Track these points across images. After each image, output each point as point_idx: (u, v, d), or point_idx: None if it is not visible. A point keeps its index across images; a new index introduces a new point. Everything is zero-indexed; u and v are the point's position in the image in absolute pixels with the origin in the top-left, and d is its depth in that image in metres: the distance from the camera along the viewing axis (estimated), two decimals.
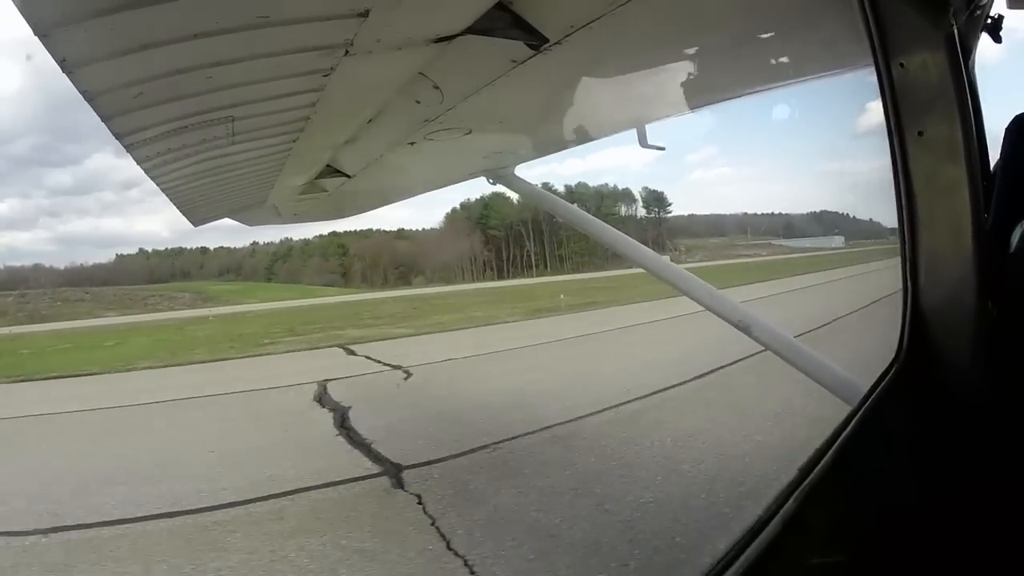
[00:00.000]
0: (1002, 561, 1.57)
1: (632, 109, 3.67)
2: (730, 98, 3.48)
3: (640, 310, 19.29)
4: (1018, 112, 1.94)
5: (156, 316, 48.31)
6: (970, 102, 1.72)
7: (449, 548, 4.13)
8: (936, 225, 1.78)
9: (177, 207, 4.06)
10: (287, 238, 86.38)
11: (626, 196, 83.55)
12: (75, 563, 4.35)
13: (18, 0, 1.39)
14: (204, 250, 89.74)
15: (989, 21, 2.09)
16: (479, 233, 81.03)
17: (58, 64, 1.65)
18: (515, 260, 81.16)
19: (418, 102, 2.83)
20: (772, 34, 2.42)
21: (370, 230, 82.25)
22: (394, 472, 5.65)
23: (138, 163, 2.71)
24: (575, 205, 5.45)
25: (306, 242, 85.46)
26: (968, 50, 1.99)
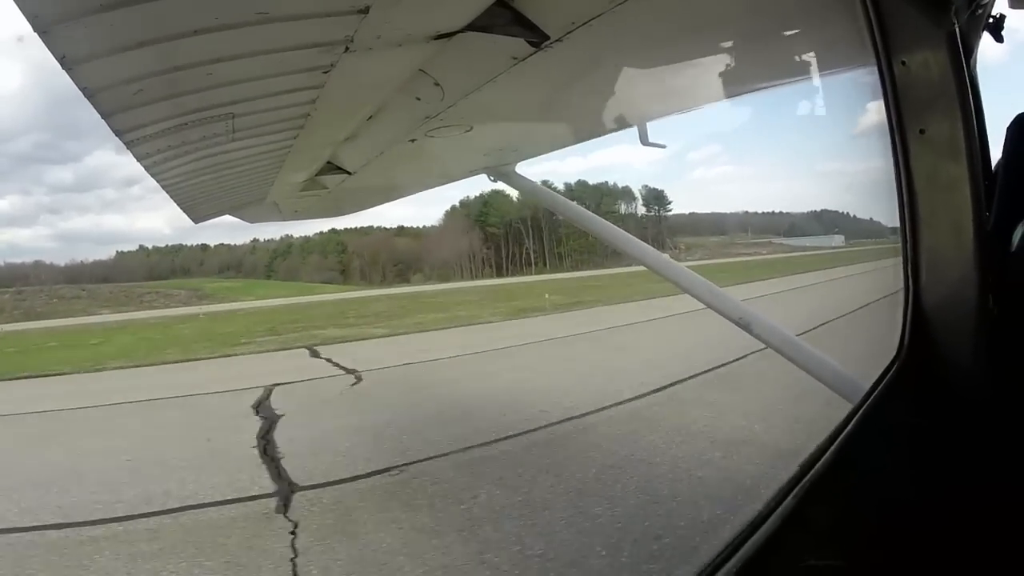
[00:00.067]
0: (1003, 558, 1.57)
1: (633, 107, 3.66)
2: (731, 96, 3.47)
3: (624, 311, 19.31)
4: (1019, 111, 1.93)
5: (149, 313, 48.22)
6: (971, 101, 1.72)
7: None
8: (937, 223, 1.78)
9: (178, 204, 4.06)
10: (288, 235, 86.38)
11: (626, 194, 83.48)
12: None
13: None
14: (204, 247, 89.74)
15: (991, 20, 2.09)
16: (478, 231, 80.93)
17: (58, 61, 1.65)
18: (514, 258, 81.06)
19: (419, 99, 2.83)
20: (773, 32, 2.42)
21: (371, 227, 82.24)
22: (286, 493, 5.41)
23: (138, 160, 2.71)
24: (574, 203, 5.43)
25: (306, 239, 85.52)
26: (970, 49, 1.99)
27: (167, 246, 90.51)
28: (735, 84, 3.25)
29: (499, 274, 76.02)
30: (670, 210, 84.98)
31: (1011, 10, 2.10)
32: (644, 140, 3.87)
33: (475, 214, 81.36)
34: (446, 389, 9.26)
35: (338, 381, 10.90)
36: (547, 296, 25.83)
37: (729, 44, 2.56)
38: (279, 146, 3.20)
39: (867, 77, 1.83)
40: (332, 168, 4.13)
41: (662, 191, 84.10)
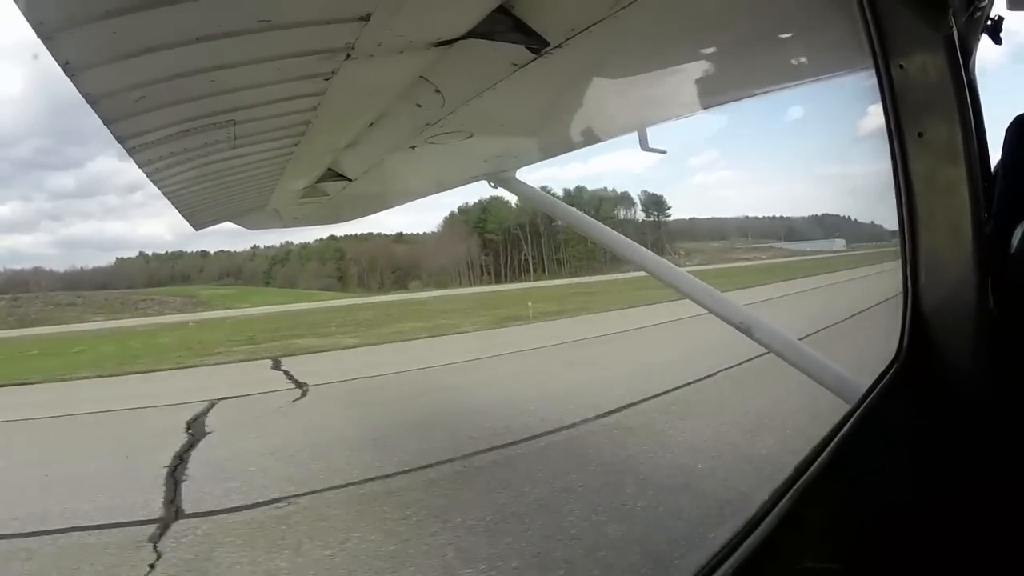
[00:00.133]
0: (1001, 559, 1.57)
1: (633, 112, 3.68)
2: (730, 101, 3.48)
3: (604, 320, 19.31)
4: (1018, 113, 1.94)
5: (141, 321, 48.16)
6: (970, 103, 1.73)
7: None
8: (936, 225, 1.78)
9: (179, 211, 4.07)
10: (288, 242, 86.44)
11: (625, 200, 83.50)
12: None
13: (22, 4, 1.40)
14: (204, 254, 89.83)
15: (989, 23, 2.10)
16: (477, 237, 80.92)
17: (61, 67, 1.66)
18: (513, 264, 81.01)
19: (419, 106, 2.84)
20: (772, 37, 2.43)
21: (370, 234, 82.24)
22: (168, 521, 5.20)
23: (140, 167, 2.72)
24: (575, 209, 5.44)
25: (304, 246, 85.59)
26: (968, 51, 2.00)
27: (167, 253, 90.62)
28: (734, 89, 3.27)
29: (498, 280, 75.93)
30: (669, 215, 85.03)
31: (1009, 12, 2.11)
32: (644, 145, 3.89)
33: (473, 220, 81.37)
34: (379, 409, 9.06)
35: (283, 396, 10.75)
36: (529, 305, 25.63)
37: (728, 49, 2.57)
38: (280, 153, 3.22)
39: (865, 81, 1.84)
40: (333, 175, 4.14)
41: (661, 196, 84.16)
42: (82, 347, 25.99)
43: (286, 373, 13.55)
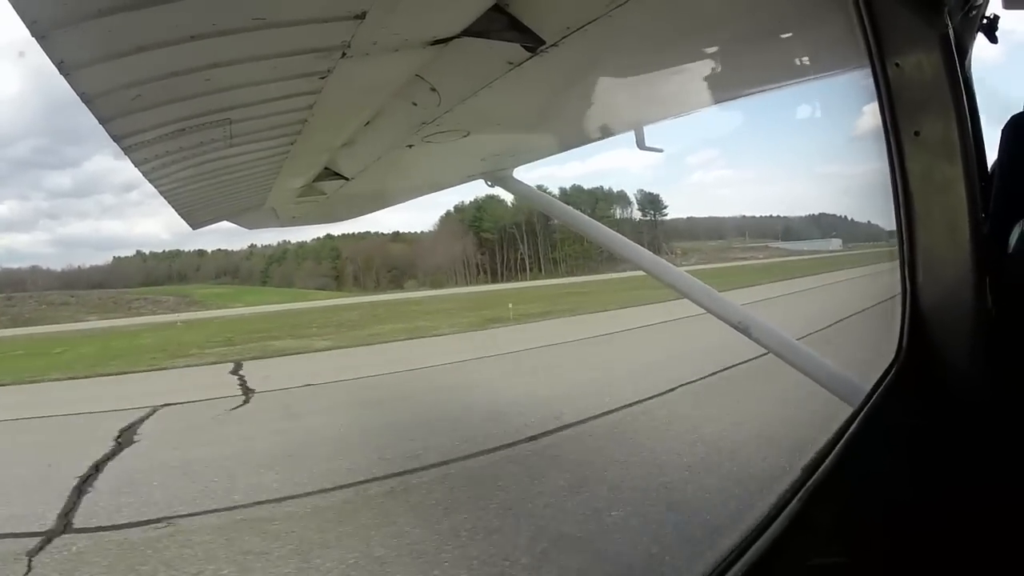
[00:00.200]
0: (1004, 559, 1.57)
1: (629, 111, 3.68)
2: (726, 100, 3.49)
3: (588, 322, 19.24)
4: (1015, 112, 1.94)
5: (131, 320, 48.13)
6: (966, 102, 1.73)
7: None
8: (934, 225, 1.78)
9: (176, 210, 4.06)
10: (285, 240, 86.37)
11: (621, 199, 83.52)
12: None
13: (16, 2, 1.39)
14: (201, 253, 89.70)
15: (985, 21, 2.10)
16: (472, 236, 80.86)
17: (56, 66, 1.65)
18: (509, 263, 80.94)
19: (415, 104, 2.84)
20: (768, 36, 2.43)
21: (367, 232, 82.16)
22: (54, 534, 5.05)
23: (136, 166, 2.71)
24: (572, 208, 5.43)
25: (300, 245, 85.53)
26: (964, 50, 2.00)
27: (164, 252, 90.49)
28: (731, 88, 3.27)
29: (494, 280, 75.91)
30: (666, 214, 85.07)
31: (1005, 11, 2.11)
32: (641, 144, 3.89)
33: (469, 219, 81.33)
34: (308, 421, 8.80)
35: (227, 403, 10.60)
36: (510, 307, 25.41)
37: (724, 47, 2.57)
38: (277, 152, 3.21)
39: (861, 79, 1.84)
40: (330, 174, 4.13)
41: (657, 195, 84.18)
42: (64, 348, 25.90)
43: (241, 378, 13.45)
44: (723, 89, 3.22)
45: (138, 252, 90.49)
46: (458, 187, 5.90)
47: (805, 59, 2.73)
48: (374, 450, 6.80)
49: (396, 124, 3.15)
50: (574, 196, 73.58)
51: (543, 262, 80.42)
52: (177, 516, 5.33)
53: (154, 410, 10.13)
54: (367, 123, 3.07)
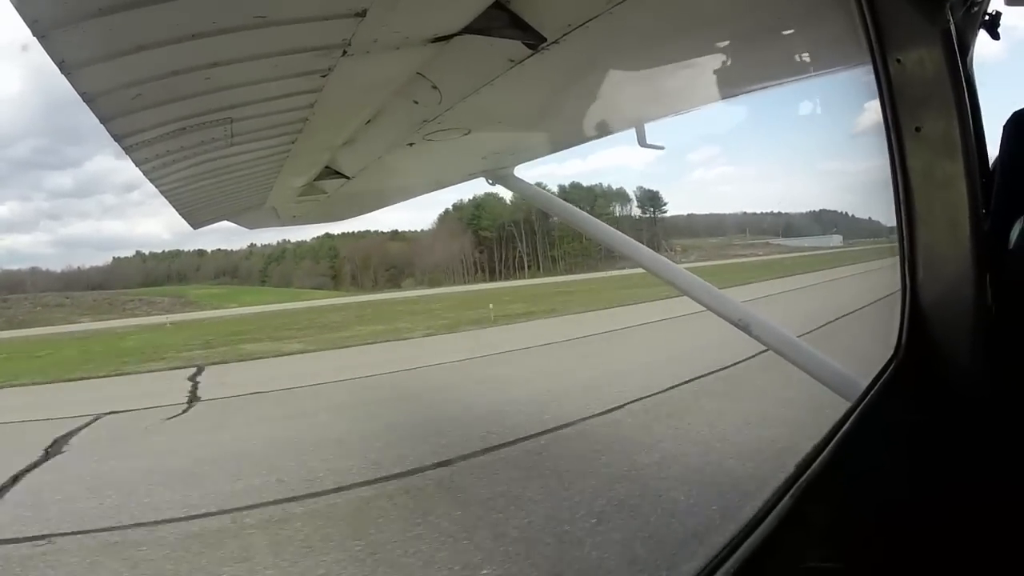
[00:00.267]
0: (1001, 555, 1.57)
1: (631, 108, 3.67)
2: (728, 97, 3.49)
3: (569, 323, 19.02)
4: (1016, 109, 1.94)
5: (122, 322, 48.23)
6: (968, 98, 1.73)
7: None
8: (934, 221, 1.78)
9: (176, 210, 4.05)
10: (285, 240, 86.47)
11: (620, 196, 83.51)
12: None
13: (17, 2, 1.39)
14: (201, 252, 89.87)
15: (987, 18, 2.10)
16: (471, 234, 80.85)
17: (57, 66, 1.65)
18: (507, 261, 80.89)
19: (416, 102, 2.83)
20: (769, 32, 2.43)
21: (367, 231, 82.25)
22: None
23: (137, 165, 2.71)
24: (573, 206, 5.42)
25: (299, 244, 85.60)
26: (966, 46, 1.99)
27: (163, 252, 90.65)
28: (732, 84, 3.27)
29: (492, 278, 75.90)
30: (665, 211, 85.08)
31: (1007, 7, 2.11)
32: (642, 142, 3.88)
33: (467, 217, 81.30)
34: (236, 432, 8.52)
35: (169, 411, 10.41)
36: (490, 307, 25.23)
37: (725, 44, 2.57)
38: (277, 150, 3.21)
39: (863, 75, 1.84)
40: (331, 172, 4.13)
41: (657, 192, 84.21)
42: (48, 351, 25.81)
43: (194, 385, 13.39)
44: (725, 86, 3.21)
45: (137, 252, 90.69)
46: (458, 185, 5.88)
47: (807, 55, 2.73)
48: (271, 471, 6.44)
49: (397, 122, 3.15)
50: (572, 193, 73.56)
51: (541, 260, 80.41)
52: (59, 534, 5.13)
53: (97, 418, 9.98)
54: (368, 121, 3.07)
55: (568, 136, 4.23)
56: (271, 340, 23.15)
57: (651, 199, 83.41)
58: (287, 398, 10.93)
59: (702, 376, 8.81)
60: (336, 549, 4.53)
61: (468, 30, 2.09)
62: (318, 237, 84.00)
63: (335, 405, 9.76)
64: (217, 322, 38.54)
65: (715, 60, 2.76)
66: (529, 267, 79.46)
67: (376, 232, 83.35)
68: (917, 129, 1.74)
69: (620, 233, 4.53)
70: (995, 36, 2.12)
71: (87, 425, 9.53)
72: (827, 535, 1.45)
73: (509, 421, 7.40)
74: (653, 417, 7.10)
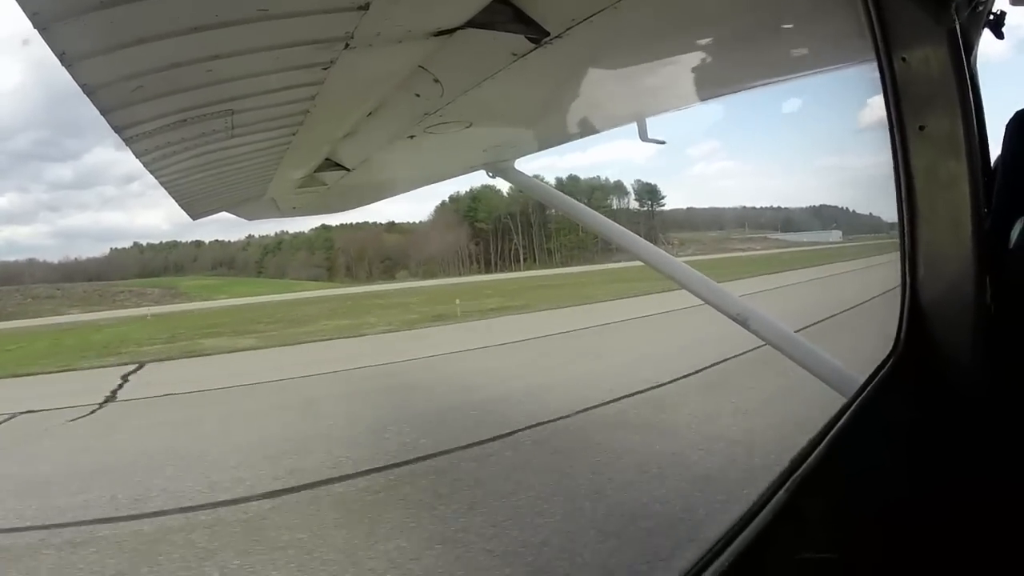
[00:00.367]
0: (998, 552, 1.58)
1: (632, 103, 3.67)
2: (731, 92, 3.48)
3: (537, 320, 19.09)
4: (1019, 108, 1.94)
5: (106, 314, 48.35)
6: (971, 97, 1.73)
7: None
8: (936, 219, 1.79)
9: (176, 201, 4.04)
10: (283, 231, 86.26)
11: (618, 189, 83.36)
12: None
13: None
14: (199, 244, 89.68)
15: (991, 17, 2.10)
16: (467, 226, 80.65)
17: (58, 57, 1.64)
18: (503, 253, 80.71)
19: (418, 95, 2.82)
20: (774, 28, 2.42)
21: (365, 223, 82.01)
22: None
23: (137, 157, 2.70)
24: (574, 199, 5.41)
25: (297, 235, 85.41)
26: (970, 45, 1.99)
27: (161, 243, 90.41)
28: (735, 80, 3.26)
29: (487, 270, 75.79)
30: (663, 205, 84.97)
31: (1012, 7, 2.11)
32: (644, 136, 3.88)
33: (464, 209, 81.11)
34: (119, 438, 8.50)
35: (79, 412, 10.42)
36: (457, 303, 25.18)
37: (728, 40, 2.56)
38: (278, 143, 3.20)
39: (867, 73, 1.84)
40: (331, 164, 4.11)
41: (655, 186, 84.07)
42: (21, 344, 25.86)
43: (122, 383, 13.49)
44: (727, 82, 3.21)
45: (135, 244, 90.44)
46: (457, 177, 5.87)
47: (810, 52, 2.72)
48: (120, 486, 6.28)
49: (398, 115, 3.14)
50: (569, 186, 73.36)
51: (537, 252, 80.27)
52: None
53: (12, 417, 10.03)
54: (369, 114, 3.05)
55: (570, 130, 4.22)
56: (233, 335, 23.36)
57: (649, 192, 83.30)
58: (196, 402, 10.91)
59: (625, 397, 8.00)
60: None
61: (471, 24, 2.08)
62: (315, 228, 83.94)
63: (228, 413, 9.63)
64: (197, 314, 38.63)
65: (719, 56, 2.75)
66: (525, 259, 79.32)
67: (374, 223, 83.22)
68: (921, 127, 1.74)
69: (620, 227, 4.53)
70: (999, 35, 2.12)
71: None
72: (822, 529, 1.46)
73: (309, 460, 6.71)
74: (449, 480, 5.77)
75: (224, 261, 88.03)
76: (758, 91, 3.52)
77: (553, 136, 4.40)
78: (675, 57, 2.81)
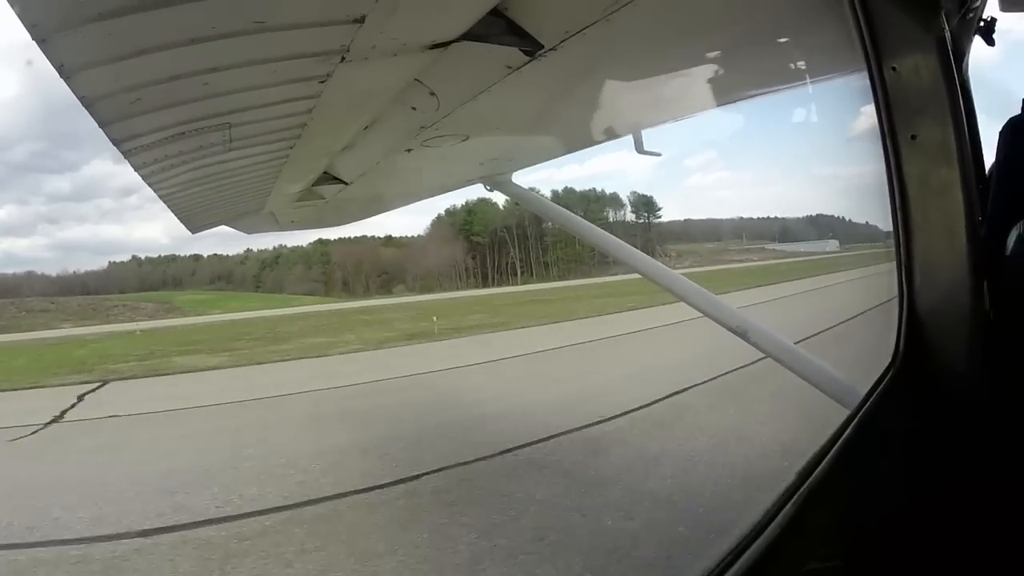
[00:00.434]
0: (1001, 561, 1.57)
1: (628, 115, 3.69)
2: (725, 103, 3.50)
3: (527, 336, 18.88)
4: (1012, 115, 1.95)
5: (97, 328, 47.94)
6: (963, 105, 1.74)
7: None
8: (931, 228, 1.79)
9: (175, 214, 4.05)
10: (281, 245, 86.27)
11: (613, 201, 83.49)
12: None
13: (17, 6, 1.40)
14: (197, 257, 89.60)
15: (982, 24, 2.11)
16: (463, 240, 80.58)
17: (56, 69, 1.65)
18: (499, 267, 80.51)
19: (414, 108, 2.84)
20: (766, 40, 2.44)
21: (363, 236, 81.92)
22: None
23: (136, 169, 2.71)
24: (571, 212, 5.42)
25: (295, 249, 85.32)
26: (961, 53, 2.01)
27: (159, 256, 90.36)
28: (729, 91, 3.28)
29: (484, 284, 75.60)
30: (659, 216, 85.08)
31: (1002, 13, 2.12)
32: (640, 148, 3.90)
33: (460, 223, 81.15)
34: (46, 464, 8.25)
35: (24, 431, 10.34)
36: (435, 320, 24.99)
37: (722, 51, 2.58)
38: (276, 156, 3.21)
39: (858, 83, 1.85)
40: (329, 178, 4.13)
41: (651, 197, 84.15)
42: (1, 360, 25.54)
43: (76, 402, 13.38)
44: (721, 92, 3.23)
45: (133, 257, 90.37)
46: (460, 190, 5.88)
47: (803, 63, 2.75)
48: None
49: (395, 128, 3.15)
50: (565, 198, 73.28)
51: (533, 266, 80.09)
52: None
53: None
54: (366, 127, 3.07)
55: (566, 142, 4.24)
56: (209, 352, 23.30)
57: (645, 204, 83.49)
58: (129, 425, 10.77)
59: (554, 436, 7.12)
60: None
61: (466, 37, 2.10)
62: (313, 242, 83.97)
63: (151, 439, 9.38)
64: (183, 330, 38.38)
65: (712, 67, 2.77)
66: (522, 272, 79.18)
67: (372, 237, 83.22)
68: (913, 137, 1.75)
69: (618, 240, 4.54)
70: (990, 42, 2.13)
71: None
72: (829, 541, 1.45)
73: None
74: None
75: (222, 275, 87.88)
76: (752, 102, 3.55)
77: (549, 149, 4.42)
78: (668, 69, 2.84)
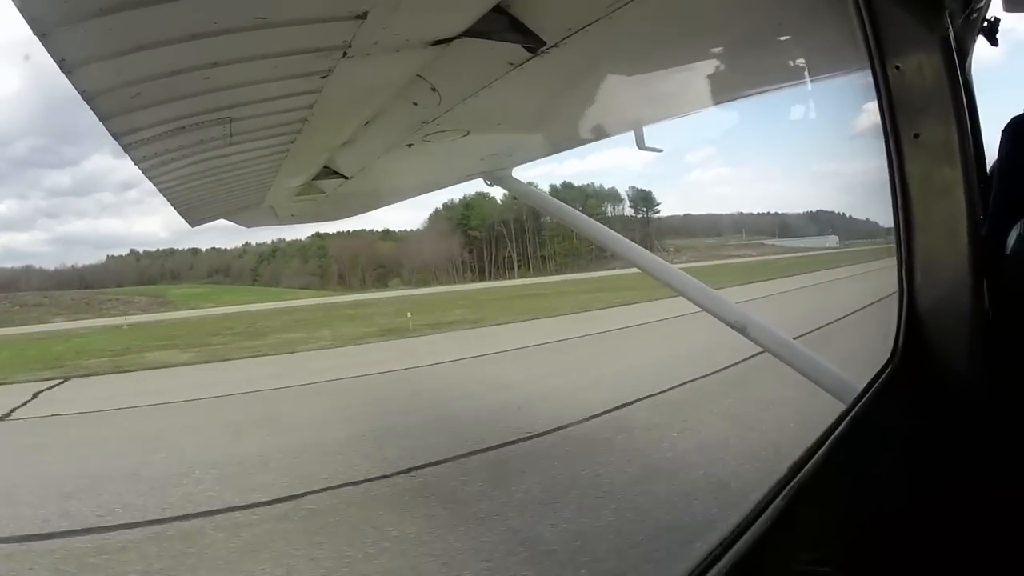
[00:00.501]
0: (997, 560, 1.58)
1: (629, 111, 3.69)
2: (727, 100, 3.50)
3: (510, 332, 18.76)
4: (1014, 115, 1.95)
5: (88, 323, 48.20)
6: (966, 104, 1.74)
7: None
8: (932, 227, 1.79)
9: (175, 207, 4.04)
10: (280, 238, 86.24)
11: (612, 196, 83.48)
12: None
13: (18, 0, 1.39)
14: (195, 251, 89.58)
15: (985, 24, 2.11)
16: (460, 234, 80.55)
17: (57, 64, 1.65)
18: (496, 261, 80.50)
19: (416, 104, 2.83)
20: (769, 37, 2.44)
21: (361, 230, 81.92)
22: None
23: (136, 163, 2.71)
24: (572, 207, 5.42)
25: (293, 243, 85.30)
26: (964, 52, 2.01)
27: (158, 250, 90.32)
28: (731, 88, 3.28)
29: (481, 277, 75.67)
30: (658, 211, 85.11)
31: (1006, 13, 2.12)
32: (641, 144, 3.89)
33: (457, 217, 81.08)
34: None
35: None
36: (408, 316, 24.84)
37: (725, 49, 2.58)
38: (276, 150, 3.20)
39: (862, 81, 1.85)
40: (329, 172, 4.12)
41: (650, 192, 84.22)
42: None
43: (30, 400, 13.37)
44: (723, 90, 3.23)
45: (132, 251, 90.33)
46: (454, 185, 5.88)
47: (805, 61, 2.74)
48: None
49: (396, 124, 3.15)
50: (564, 193, 73.25)
51: (531, 260, 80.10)
52: None
53: None
54: (367, 123, 3.06)
55: (567, 138, 4.24)
56: (184, 347, 23.34)
57: (644, 199, 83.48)
58: (65, 424, 10.73)
59: (482, 450, 6.64)
60: None
61: (468, 33, 2.10)
62: (311, 236, 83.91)
63: (79, 440, 9.25)
64: (169, 324, 38.61)
65: (714, 65, 2.77)
66: (519, 266, 79.17)
67: (369, 231, 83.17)
68: (916, 136, 1.75)
69: (617, 235, 4.54)
70: (994, 42, 2.13)
71: None
72: (819, 537, 1.45)
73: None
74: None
75: (220, 269, 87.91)
76: (755, 99, 3.55)
77: (551, 145, 4.41)
78: (671, 66, 2.83)
